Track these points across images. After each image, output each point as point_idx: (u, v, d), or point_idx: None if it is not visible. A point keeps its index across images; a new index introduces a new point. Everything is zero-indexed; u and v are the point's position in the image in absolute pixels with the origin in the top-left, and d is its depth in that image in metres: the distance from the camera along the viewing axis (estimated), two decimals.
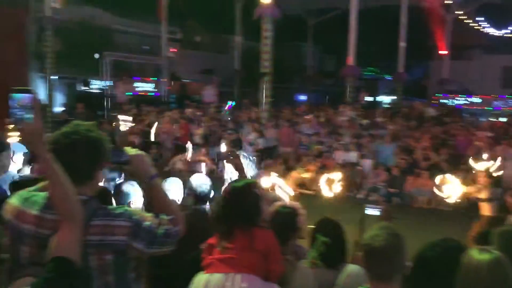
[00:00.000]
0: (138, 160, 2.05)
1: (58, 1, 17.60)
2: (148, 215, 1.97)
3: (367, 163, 12.33)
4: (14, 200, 1.95)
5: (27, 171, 4.13)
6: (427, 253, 2.17)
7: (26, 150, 3.81)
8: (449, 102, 25.70)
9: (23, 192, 1.97)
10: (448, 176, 7.67)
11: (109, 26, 23.45)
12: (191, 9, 24.04)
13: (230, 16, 25.68)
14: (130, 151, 2.07)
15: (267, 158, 13.29)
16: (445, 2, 24.44)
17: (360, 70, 21.21)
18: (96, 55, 20.45)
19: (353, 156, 12.55)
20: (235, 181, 2.74)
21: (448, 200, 7.91)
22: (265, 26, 15.02)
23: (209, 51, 27.83)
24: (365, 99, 23.57)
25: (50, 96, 18.00)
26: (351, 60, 18.64)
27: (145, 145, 15.78)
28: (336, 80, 34.31)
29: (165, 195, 2.09)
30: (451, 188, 7.37)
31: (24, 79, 16.23)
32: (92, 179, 1.94)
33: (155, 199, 2.06)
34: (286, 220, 2.77)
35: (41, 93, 19.15)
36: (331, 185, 6.61)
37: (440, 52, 26.57)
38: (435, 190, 8.21)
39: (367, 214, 3.04)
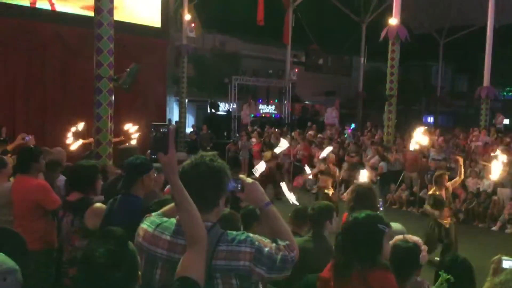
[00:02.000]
0: (251, 188, 2.14)
1: (194, 31, 19.06)
2: (267, 241, 2.04)
3: (505, 192, 11.24)
4: (146, 226, 2.14)
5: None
6: None
7: None
8: None
9: (154, 218, 2.16)
10: None
11: (238, 51, 24.78)
12: (314, 32, 24.39)
13: (354, 38, 25.51)
14: (245, 179, 2.17)
15: (391, 183, 12.84)
16: None
17: (497, 90, 19.54)
18: (226, 80, 21.70)
19: (487, 184, 11.54)
20: (358, 212, 2.58)
21: None
22: (392, 48, 14.59)
23: (332, 73, 27.91)
24: (503, 122, 21.51)
25: (183, 118, 19.39)
26: (486, 80, 17.27)
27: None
28: (468, 101, 32.03)
29: (279, 222, 2.14)
30: None
31: (163, 103, 17.83)
32: (217, 206, 2.07)
33: (269, 226, 2.14)
34: (406, 256, 2.63)
35: (175, 115, 20.84)
36: None
37: None
38: None
39: (504, 268, 2.77)
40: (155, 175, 3.71)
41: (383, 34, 14.68)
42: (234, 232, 2.05)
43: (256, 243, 1.99)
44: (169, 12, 17.87)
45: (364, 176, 6.29)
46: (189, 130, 20.16)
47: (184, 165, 2.07)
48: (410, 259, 2.62)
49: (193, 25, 19.08)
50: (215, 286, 1.95)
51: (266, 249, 1.99)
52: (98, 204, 3.61)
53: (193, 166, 2.05)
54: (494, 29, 17.49)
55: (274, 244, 2.03)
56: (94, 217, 3.49)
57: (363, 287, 2.33)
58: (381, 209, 4.19)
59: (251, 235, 2.04)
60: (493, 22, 17.32)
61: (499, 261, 2.73)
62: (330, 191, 7.45)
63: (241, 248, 1.96)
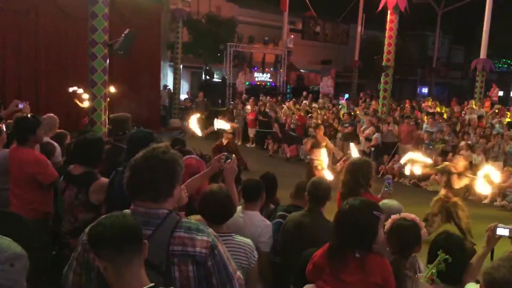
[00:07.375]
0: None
1: None
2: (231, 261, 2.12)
3: (497, 166, 11.34)
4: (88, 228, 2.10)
5: None
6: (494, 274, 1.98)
7: None
8: None
9: None
10: None
11: (234, 17, 24.32)
12: None
13: (351, 5, 25.08)
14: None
15: (384, 154, 12.89)
16: None
17: (493, 62, 19.42)
18: (221, 46, 21.37)
19: (479, 159, 11.63)
20: (354, 198, 2.59)
21: None
22: (390, 18, 14.31)
23: (328, 41, 27.53)
24: (498, 95, 21.49)
25: (178, 85, 19.15)
26: (483, 52, 17.11)
27: (261, 135, 16.27)
28: (464, 72, 31.93)
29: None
30: None
31: (157, 68, 17.59)
32: (171, 196, 2.06)
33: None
34: (407, 234, 2.67)
35: (169, 81, 20.60)
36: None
37: None
38: None
39: (499, 235, 2.80)
40: None
41: (381, 4, 14.37)
42: (192, 221, 2.09)
43: (212, 236, 2.04)
44: None
45: (354, 150, 6.34)
46: (183, 96, 19.96)
47: (136, 158, 2.06)
48: (413, 237, 2.67)
49: None
50: (172, 271, 1.97)
51: (223, 251, 2.05)
52: (104, 179, 3.56)
53: (145, 159, 2.04)
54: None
55: (235, 266, 2.11)
56: (99, 192, 3.47)
57: (360, 272, 2.36)
58: (390, 188, 4.16)
59: (210, 229, 2.08)
60: None
61: (495, 228, 2.79)
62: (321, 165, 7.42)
63: (198, 236, 1.99)
